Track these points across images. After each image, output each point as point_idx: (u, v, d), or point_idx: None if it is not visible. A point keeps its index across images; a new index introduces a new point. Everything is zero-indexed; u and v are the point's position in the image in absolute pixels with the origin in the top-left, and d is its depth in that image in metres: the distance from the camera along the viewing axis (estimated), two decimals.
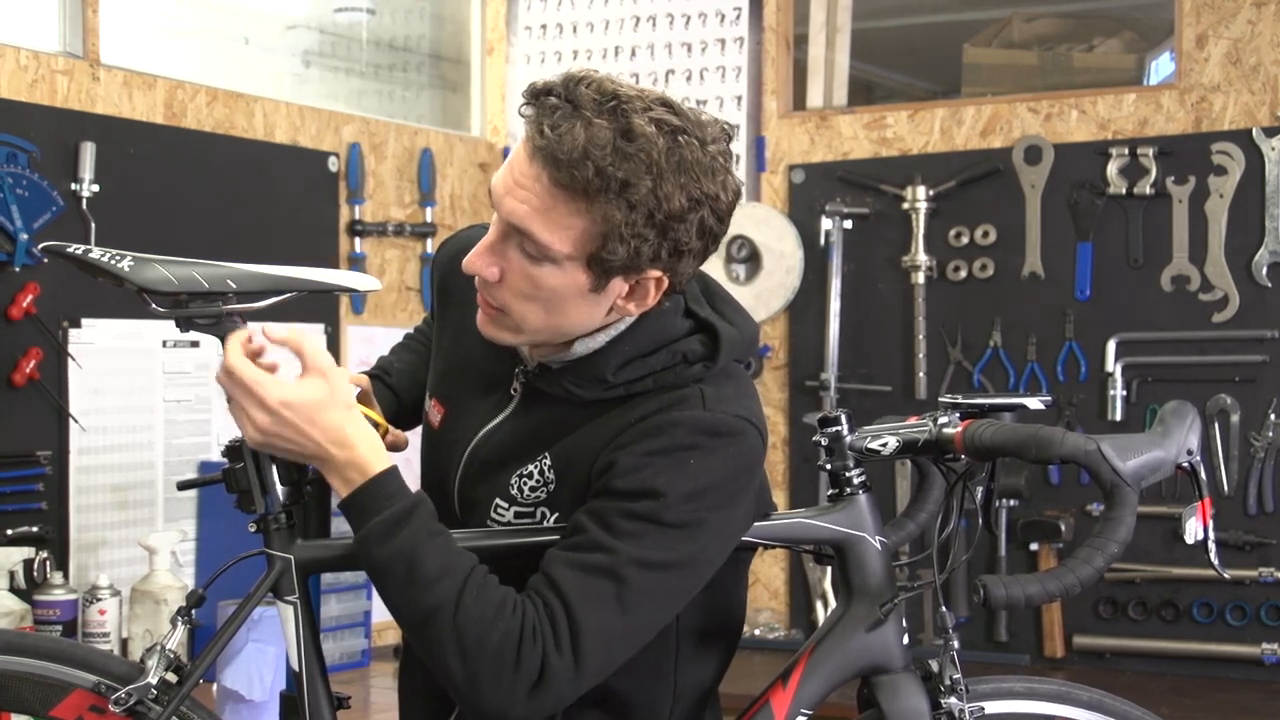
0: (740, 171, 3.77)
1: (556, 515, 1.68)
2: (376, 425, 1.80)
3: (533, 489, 1.70)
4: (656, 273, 1.61)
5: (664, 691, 1.75)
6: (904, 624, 1.74)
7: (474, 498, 1.75)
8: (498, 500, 1.72)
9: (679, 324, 1.69)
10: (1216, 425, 3.23)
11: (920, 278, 3.50)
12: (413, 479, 1.69)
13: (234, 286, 1.68)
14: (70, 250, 1.68)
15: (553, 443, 1.70)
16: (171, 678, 1.70)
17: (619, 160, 1.53)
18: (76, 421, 2.91)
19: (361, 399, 1.82)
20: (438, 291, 1.91)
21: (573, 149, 1.53)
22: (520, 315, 1.63)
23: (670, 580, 1.59)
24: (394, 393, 1.97)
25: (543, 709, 1.55)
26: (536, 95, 1.58)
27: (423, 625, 1.56)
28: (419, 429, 1.93)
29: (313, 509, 1.81)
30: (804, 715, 1.72)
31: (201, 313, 1.69)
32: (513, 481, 1.71)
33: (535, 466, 1.70)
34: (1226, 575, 1.81)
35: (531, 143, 1.56)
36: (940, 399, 1.76)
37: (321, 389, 1.61)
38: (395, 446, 1.85)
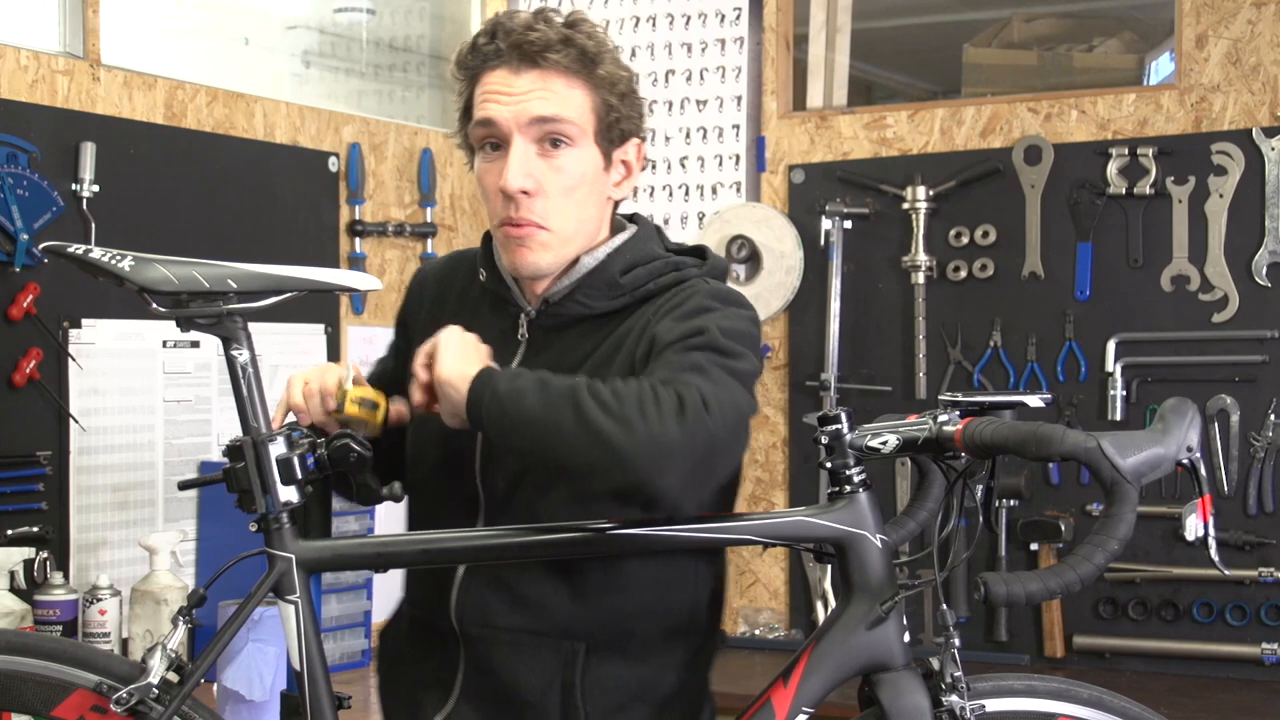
0: (740, 171, 3.77)
1: None
2: (376, 404, 1.82)
3: None
4: (637, 140, 1.91)
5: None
6: (904, 622, 1.74)
7: (502, 454, 1.83)
8: None
9: (662, 250, 1.92)
10: (1216, 425, 3.23)
11: (920, 278, 3.50)
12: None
13: (234, 286, 1.69)
14: (71, 250, 1.69)
15: (580, 364, 1.84)
16: (173, 677, 1.71)
17: (584, 39, 1.84)
18: (76, 421, 2.92)
19: (356, 381, 1.84)
20: (432, 302, 2.00)
21: (552, 41, 1.82)
22: (560, 219, 1.83)
23: (737, 387, 1.71)
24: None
25: (692, 431, 1.63)
26: (490, 36, 1.84)
27: (566, 404, 1.64)
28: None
29: (314, 508, 1.82)
30: (805, 713, 1.71)
31: (202, 312, 1.70)
32: None
33: None
34: (1226, 572, 1.81)
35: (513, 58, 1.82)
36: (940, 397, 1.76)
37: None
38: (400, 420, 1.87)
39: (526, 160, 1.81)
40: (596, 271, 1.87)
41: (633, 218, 1.98)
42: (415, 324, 2.00)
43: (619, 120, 1.87)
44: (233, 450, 1.72)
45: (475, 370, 1.71)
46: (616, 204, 1.95)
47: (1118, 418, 3.30)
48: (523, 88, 1.81)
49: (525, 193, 1.81)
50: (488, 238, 1.95)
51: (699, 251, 1.94)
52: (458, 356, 1.74)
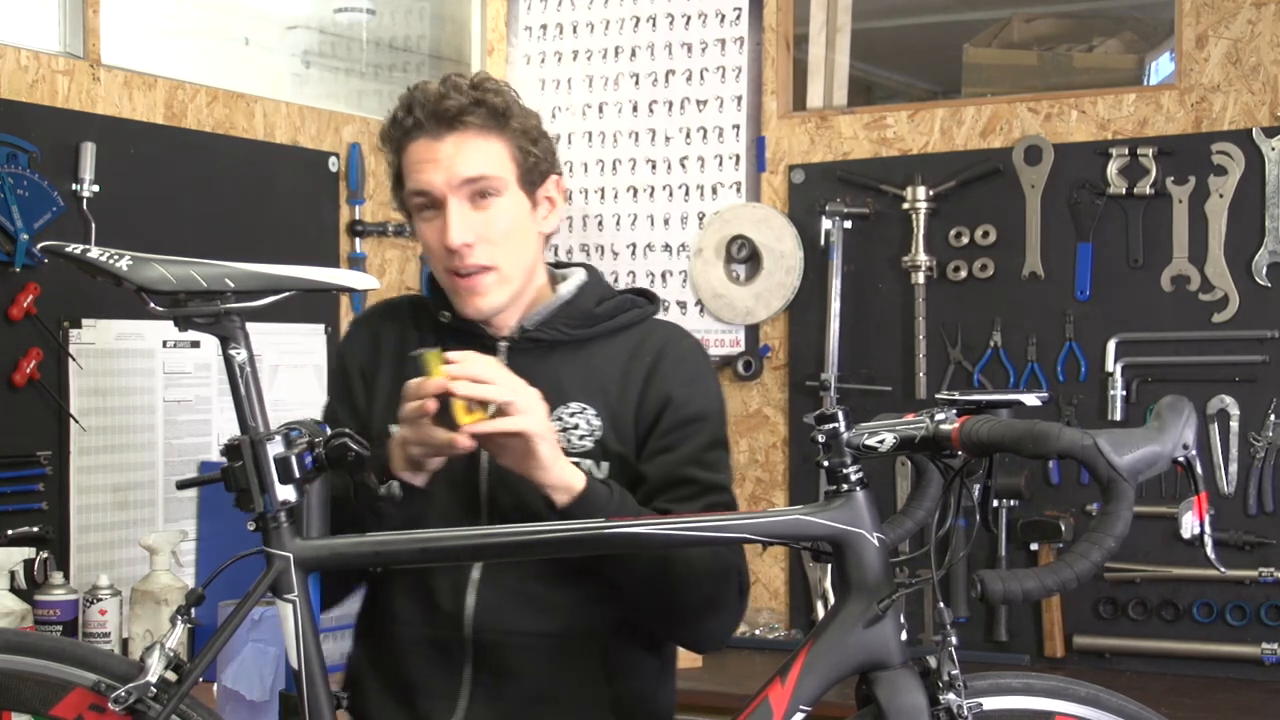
0: (740, 171, 3.77)
1: (608, 465, 1.99)
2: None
3: (581, 437, 2.01)
4: (555, 177, 2.09)
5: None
6: (902, 620, 1.74)
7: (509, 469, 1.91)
8: None
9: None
10: (1216, 425, 3.23)
11: (920, 278, 3.50)
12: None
13: (232, 285, 1.70)
14: (69, 250, 1.70)
15: (570, 388, 2.01)
16: (171, 676, 1.70)
17: (493, 97, 2.00)
18: (77, 421, 2.92)
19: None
20: (395, 348, 2.08)
21: (465, 105, 1.97)
22: (504, 260, 2.00)
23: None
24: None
25: (737, 618, 2.06)
26: (408, 110, 1.99)
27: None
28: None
29: (313, 507, 1.81)
30: (802, 711, 1.71)
31: (200, 312, 1.70)
32: (558, 435, 1.94)
33: (579, 418, 2.01)
34: (1223, 569, 1.81)
35: (432, 125, 1.97)
36: (937, 395, 1.76)
37: None
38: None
39: (464, 216, 1.98)
40: (573, 303, 2.08)
41: (559, 264, 2.17)
42: (379, 372, 2.09)
43: (537, 163, 2.04)
44: (230, 449, 1.72)
45: (580, 483, 1.88)
46: (547, 237, 2.12)
47: (1118, 418, 3.30)
48: (447, 152, 1.97)
49: (467, 245, 1.98)
50: (433, 281, 2.09)
51: (645, 293, 2.17)
52: (557, 452, 1.88)
